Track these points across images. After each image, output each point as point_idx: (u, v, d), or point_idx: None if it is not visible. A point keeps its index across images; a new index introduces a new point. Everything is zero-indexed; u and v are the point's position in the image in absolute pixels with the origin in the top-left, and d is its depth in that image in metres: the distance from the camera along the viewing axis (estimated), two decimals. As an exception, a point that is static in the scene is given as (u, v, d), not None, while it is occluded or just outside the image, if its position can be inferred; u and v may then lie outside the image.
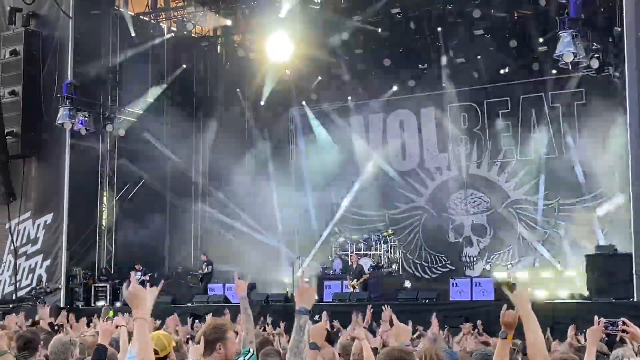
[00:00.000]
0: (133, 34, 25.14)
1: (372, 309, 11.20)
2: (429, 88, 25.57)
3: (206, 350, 5.10)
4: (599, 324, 5.09)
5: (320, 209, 27.33)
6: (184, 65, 26.95)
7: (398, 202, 26.63)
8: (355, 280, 20.76)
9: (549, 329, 12.20)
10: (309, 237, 27.12)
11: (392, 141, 27.04)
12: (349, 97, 27.07)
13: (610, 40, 20.01)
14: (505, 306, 4.64)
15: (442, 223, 25.87)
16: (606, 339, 7.66)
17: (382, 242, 24.42)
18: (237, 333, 6.30)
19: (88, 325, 12.37)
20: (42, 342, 6.67)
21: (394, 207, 26.66)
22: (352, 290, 20.61)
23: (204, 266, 24.04)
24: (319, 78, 26.97)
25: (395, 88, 26.26)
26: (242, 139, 28.09)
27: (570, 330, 9.90)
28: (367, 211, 26.89)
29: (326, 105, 27.56)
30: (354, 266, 21.55)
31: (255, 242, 26.89)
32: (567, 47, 18.74)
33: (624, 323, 4.99)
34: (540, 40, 22.99)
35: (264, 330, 12.55)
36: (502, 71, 24.44)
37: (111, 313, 12.65)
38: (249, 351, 5.68)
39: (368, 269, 22.02)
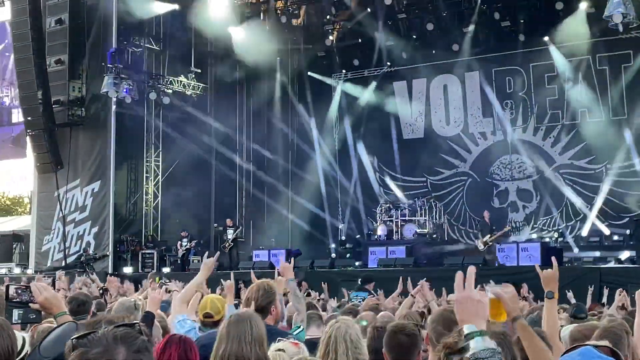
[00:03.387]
0: (177, 7, 25.04)
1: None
2: (473, 52, 25.13)
3: (260, 315, 5.19)
4: None
5: (362, 175, 27.31)
6: (228, 32, 26.89)
7: (441, 168, 26.46)
8: (489, 236, 20.73)
9: (592, 287, 12.33)
10: (351, 204, 27.23)
11: (436, 106, 26.80)
12: (388, 63, 26.69)
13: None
14: (537, 265, 4.85)
15: (487, 189, 25.65)
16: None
17: (426, 207, 24.30)
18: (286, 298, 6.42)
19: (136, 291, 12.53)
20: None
21: (437, 172, 26.50)
22: (483, 247, 20.63)
23: (230, 232, 23.07)
24: (360, 42, 26.72)
25: (438, 52, 25.92)
26: (285, 106, 28.08)
27: (618, 294, 9.78)
28: (410, 177, 26.78)
29: (368, 71, 27.32)
30: (485, 220, 21.54)
31: (300, 207, 27.04)
32: (617, 8, 18.33)
33: None
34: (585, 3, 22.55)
35: (308, 295, 12.59)
36: (547, 36, 23.96)
37: (157, 279, 12.82)
38: (299, 327, 5.89)
39: (413, 235, 21.94)
